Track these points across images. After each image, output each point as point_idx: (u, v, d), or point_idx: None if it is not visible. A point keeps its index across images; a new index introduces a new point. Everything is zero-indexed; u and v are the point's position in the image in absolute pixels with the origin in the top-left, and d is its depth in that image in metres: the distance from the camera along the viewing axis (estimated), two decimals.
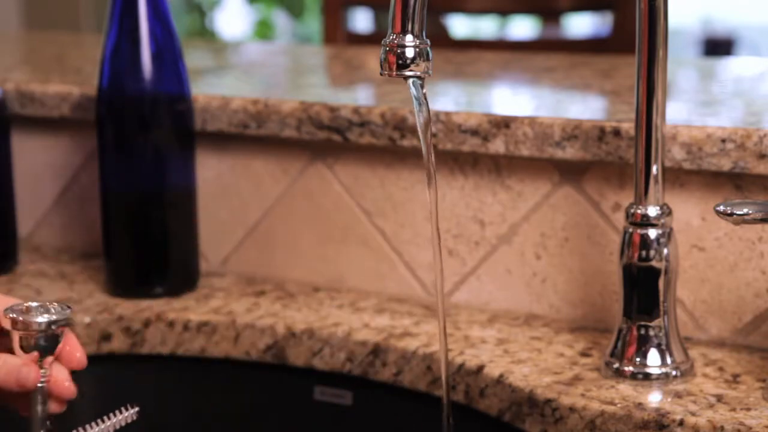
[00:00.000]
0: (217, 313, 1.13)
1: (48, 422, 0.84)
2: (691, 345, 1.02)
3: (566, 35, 3.95)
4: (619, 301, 0.97)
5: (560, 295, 1.10)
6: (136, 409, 0.86)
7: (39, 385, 0.82)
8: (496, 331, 1.08)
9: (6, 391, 0.81)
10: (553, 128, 1.05)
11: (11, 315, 0.81)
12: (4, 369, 0.80)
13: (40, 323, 0.81)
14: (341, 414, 1.10)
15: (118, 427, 0.85)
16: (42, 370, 0.82)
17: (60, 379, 0.83)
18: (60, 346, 0.83)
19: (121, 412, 0.86)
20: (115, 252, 1.18)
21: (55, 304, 0.83)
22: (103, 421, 0.85)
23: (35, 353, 0.82)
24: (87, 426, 0.84)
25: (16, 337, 0.81)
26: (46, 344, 0.82)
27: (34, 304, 0.83)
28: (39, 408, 0.83)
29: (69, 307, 0.83)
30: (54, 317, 0.81)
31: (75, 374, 1.14)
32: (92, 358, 1.13)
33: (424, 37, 0.80)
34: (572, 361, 1.00)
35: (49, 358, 0.82)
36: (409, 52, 0.80)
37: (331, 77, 1.53)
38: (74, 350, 0.83)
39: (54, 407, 0.84)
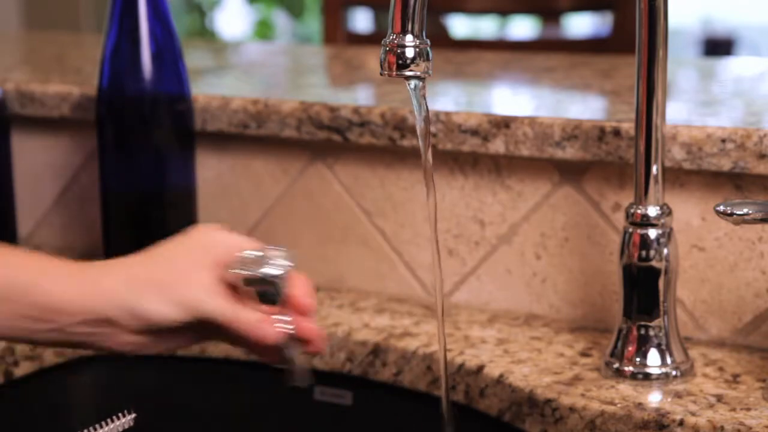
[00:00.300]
0: None
1: (305, 368, 0.82)
2: (691, 345, 1.02)
3: (566, 35, 3.94)
4: (619, 301, 0.97)
5: (560, 295, 1.10)
6: (133, 415, 0.84)
7: (285, 331, 0.80)
8: (496, 331, 1.08)
9: (253, 346, 0.80)
10: (553, 128, 1.05)
11: (239, 272, 0.78)
12: (242, 326, 0.79)
13: (268, 276, 0.78)
14: (341, 414, 1.10)
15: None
16: (281, 321, 0.79)
17: (302, 322, 0.81)
18: (288, 291, 0.80)
19: (118, 418, 0.85)
20: (115, 252, 1.17)
21: (273, 250, 0.80)
22: (101, 426, 0.84)
23: (271, 307, 0.79)
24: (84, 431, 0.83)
25: (249, 293, 0.79)
26: (280, 292, 0.79)
27: (253, 254, 0.79)
28: (290, 356, 0.81)
29: (287, 251, 0.80)
30: (279, 269, 0.78)
31: (75, 373, 1.14)
32: (92, 359, 1.14)
33: (424, 37, 0.80)
34: (572, 361, 1.00)
35: (285, 305, 0.80)
36: (409, 52, 0.80)
37: (331, 77, 1.53)
38: (304, 293, 0.81)
39: (310, 349, 0.82)
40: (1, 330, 0.80)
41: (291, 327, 0.80)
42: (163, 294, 0.78)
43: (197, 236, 0.82)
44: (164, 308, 0.78)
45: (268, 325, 0.79)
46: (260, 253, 0.80)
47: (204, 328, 0.80)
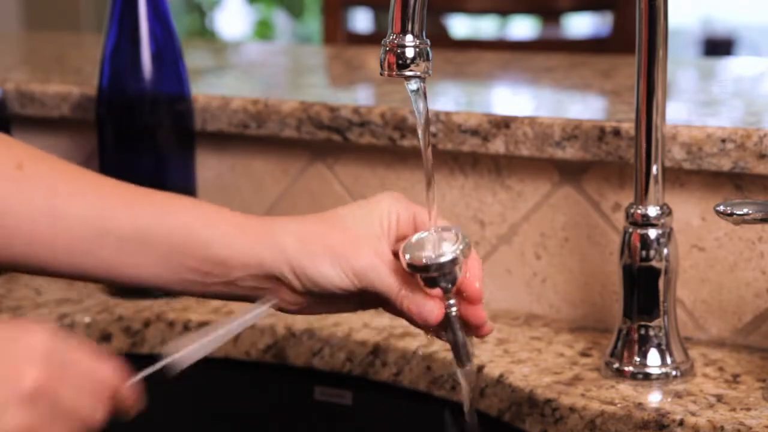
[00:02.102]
0: (217, 314, 1.13)
1: (468, 349, 0.81)
2: (691, 345, 1.02)
3: (566, 35, 3.94)
4: (619, 301, 0.97)
5: (560, 295, 1.10)
6: (274, 301, 0.81)
7: (451, 314, 0.79)
8: (496, 331, 1.08)
9: (417, 324, 0.80)
10: (553, 128, 1.05)
11: (407, 258, 0.77)
12: (406, 306, 0.79)
13: (433, 266, 0.77)
14: (341, 414, 1.10)
15: (256, 320, 0.80)
16: (448, 302, 0.79)
17: (468, 307, 0.80)
18: (461, 276, 0.78)
19: (258, 307, 0.82)
20: None
21: (447, 231, 0.79)
22: (241, 316, 0.81)
23: (438, 290, 0.78)
24: (225, 321, 0.80)
25: (417, 276, 0.78)
26: (448, 279, 0.78)
27: (424, 236, 0.78)
28: (455, 337, 0.80)
29: (461, 232, 0.78)
30: (451, 254, 0.77)
31: None
32: None
33: (424, 37, 0.80)
34: (572, 361, 1.00)
35: (453, 289, 0.79)
36: (409, 52, 0.80)
37: (331, 77, 1.53)
38: (473, 280, 0.79)
39: (476, 333, 0.81)
40: (172, 282, 0.81)
41: (455, 311, 0.79)
42: (335, 261, 0.78)
43: (377, 204, 0.82)
44: (334, 275, 0.78)
45: (434, 307, 0.79)
46: (433, 235, 0.79)
47: (369, 297, 0.80)
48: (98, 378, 0.68)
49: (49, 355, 0.64)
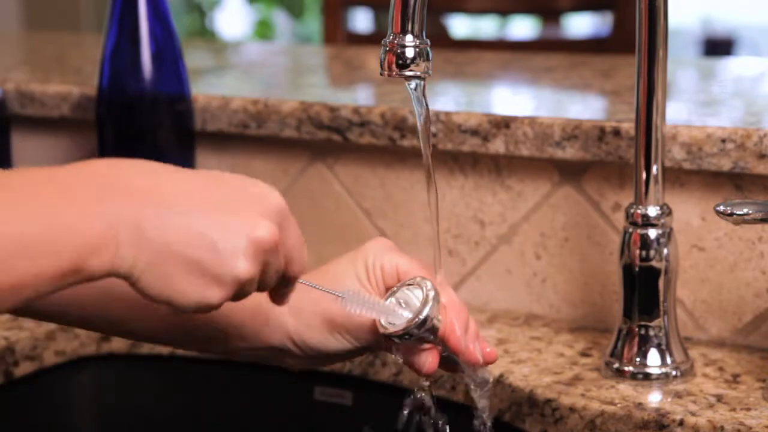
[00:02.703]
0: None
1: (481, 376, 0.82)
2: (691, 345, 1.02)
3: (566, 35, 3.94)
4: (619, 301, 0.97)
5: (560, 295, 1.10)
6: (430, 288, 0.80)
7: (449, 357, 0.80)
8: (496, 331, 1.08)
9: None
10: (553, 128, 1.05)
11: (381, 329, 0.78)
12: (407, 356, 0.79)
13: (410, 331, 0.77)
14: (341, 414, 1.10)
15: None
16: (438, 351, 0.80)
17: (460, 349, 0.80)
18: (441, 325, 0.78)
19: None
20: None
21: (418, 285, 0.78)
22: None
23: (429, 342, 0.79)
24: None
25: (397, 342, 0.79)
26: (427, 334, 0.78)
27: (397, 294, 0.78)
28: (464, 371, 0.81)
29: (430, 291, 0.78)
30: (418, 318, 0.77)
31: (75, 373, 1.14)
32: (92, 359, 1.14)
33: (424, 37, 0.80)
34: (572, 361, 1.00)
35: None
36: (409, 52, 0.80)
37: (331, 77, 1.53)
38: (451, 331, 0.79)
39: (480, 364, 0.82)
40: (178, 341, 0.83)
41: (445, 354, 0.80)
42: (333, 328, 0.80)
43: (364, 257, 0.81)
44: (333, 341, 0.80)
45: (428, 357, 0.79)
46: (403, 295, 0.79)
47: (371, 346, 0.81)
48: (303, 250, 0.71)
49: (281, 215, 0.67)
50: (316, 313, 0.80)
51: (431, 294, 0.78)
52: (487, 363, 0.82)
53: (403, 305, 0.78)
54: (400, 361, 0.80)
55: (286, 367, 0.84)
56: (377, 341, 0.80)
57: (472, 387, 0.83)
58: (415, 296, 0.78)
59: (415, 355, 0.79)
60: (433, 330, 0.78)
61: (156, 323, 0.81)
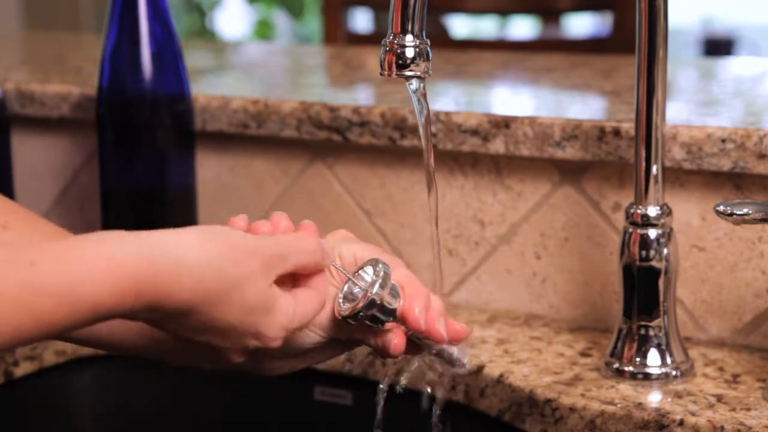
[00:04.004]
0: None
1: (454, 355, 0.81)
2: (691, 345, 1.02)
3: (566, 35, 3.95)
4: (619, 301, 0.97)
5: (560, 295, 1.10)
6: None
7: (413, 337, 0.79)
8: (496, 331, 1.08)
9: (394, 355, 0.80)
10: (553, 128, 1.05)
11: (338, 313, 0.77)
12: (376, 340, 0.79)
13: (356, 313, 0.76)
14: (341, 414, 1.10)
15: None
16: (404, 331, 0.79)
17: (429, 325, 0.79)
18: (399, 304, 0.78)
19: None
20: None
21: (369, 266, 0.78)
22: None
23: (389, 322, 0.78)
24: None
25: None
26: (383, 314, 0.77)
27: (356, 290, 0.77)
28: (433, 352, 0.81)
29: (380, 269, 0.77)
30: (367, 298, 0.76)
31: (75, 373, 1.14)
32: (92, 359, 1.14)
33: (424, 37, 0.80)
34: (572, 361, 1.00)
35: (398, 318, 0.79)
36: (409, 52, 0.80)
37: (331, 77, 1.53)
38: (410, 308, 0.78)
39: (451, 341, 0.80)
40: (153, 353, 0.82)
41: (411, 332, 0.79)
42: None
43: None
44: (302, 336, 0.79)
45: (393, 337, 0.79)
46: (357, 278, 0.78)
47: (344, 341, 0.81)
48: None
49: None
50: None
51: (381, 272, 0.77)
52: (454, 341, 0.80)
53: (356, 288, 0.78)
54: (374, 346, 0.79)
55: (265, 375, 0.83)
56: (345, 330, 0.79)
57: (438, 367, 0.82)
58: (368, 277, 0.78)
59: (379, 336, 0.79)
60: (386, 309, 0.77)
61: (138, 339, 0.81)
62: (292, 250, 0.73)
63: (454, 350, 0.81)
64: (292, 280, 0.75)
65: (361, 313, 0.76)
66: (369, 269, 0.78)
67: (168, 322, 0.70)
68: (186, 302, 0.68)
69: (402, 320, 0.78)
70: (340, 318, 0.78)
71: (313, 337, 0.79)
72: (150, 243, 0.67)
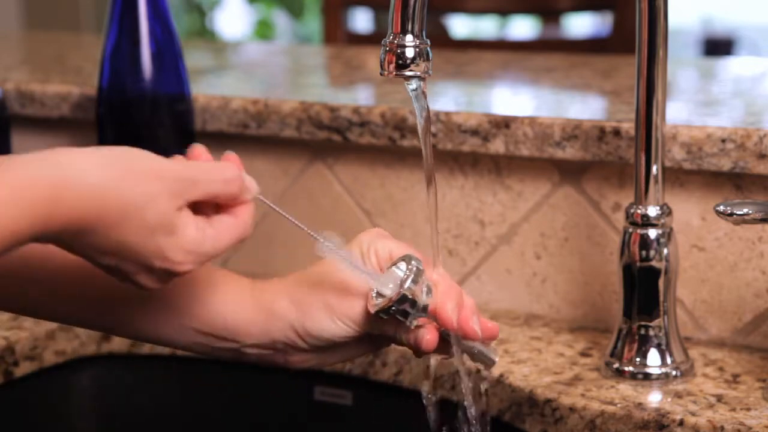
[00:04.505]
0: None
1: (485, 354, 0.82)
2: (691, 345, 1.02)
3: (566, 35, 3.95)
4: (619, 301, 0.97)
5: (560, 295, 1.10)
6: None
7: (445, 334, 0.79)
8: None
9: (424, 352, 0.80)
10: (553, 128, 1.05)
11: (370, 306, 0.77)
12: (407, 335, 0.79)
13: (393, 308, 0.76)
14: (341, 414, 1.10)
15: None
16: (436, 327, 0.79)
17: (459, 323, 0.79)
18: (431, 300, 0.78)
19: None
20: None
21: (404, 262, 0.78)
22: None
23: (421, 319, 0.78)
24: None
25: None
26: (415, 310, 0.77)
27: (386, 273, 0.78)
28: (464, 349, 0.81)
29: (414, 265, 0.77)
30: (400, 292, 0.76)
31: (75, 373, 1.14)
32: (92, 359, 1.14)
33: (424, 37, 0.80)
34: (572, 361, 1.00)
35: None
36: (409, 52, 0.80)
37: (331, 77, 1.53)
38: (443, 305, 0.78)
39: (481, 339, 0.81)
40: (182, 343, 0.82)
41: (442, 329, 0.79)
42: (332, 314, 0.79)
43: (357, 247, 0.81)
44: (335, 327, 0.79)
45: (425, 333, 0.79)
46: (390, 273, 0.78)
47: (375, 338, 0.81)
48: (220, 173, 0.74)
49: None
50: (315, 301, 0.79)
51: (414, 268, 0.77)
52: (487, 338, 0.81)
53: (391, 283, 0.78)
54: (406, 342, 0.79)
55: (292, 368, 0.83)
56: (377, 325, 0.79)
57: (470, 371, 0.83)
58: (401, 273, 0.78)
59: (412, 332, 0.79)
60: (418, 305, 0.77)
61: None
62: (203, 176, 0.72)
63: (483, 348, 0.81)
64: (215, 209, 0.74)
65: (393, 307, 0.76)
66: (402, 265, 0.78)
67: (74, 244, 0.70)
68: (87, 221, 0.68)
69: (434, 317, 0.78)
70: (372, 312, 0.78)
71: (345, 329, 0.79)
72: (52, 166, 0.67)
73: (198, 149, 0.75)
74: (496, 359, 0.82)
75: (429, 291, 0.78)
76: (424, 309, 0.78)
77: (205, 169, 0.73)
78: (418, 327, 0.79)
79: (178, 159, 0.73)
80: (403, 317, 0.77)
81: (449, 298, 0.78)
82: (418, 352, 0.80)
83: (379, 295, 0.78)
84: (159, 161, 0.71)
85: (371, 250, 0.80)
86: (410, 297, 0.77)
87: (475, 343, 0.81)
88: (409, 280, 0.77)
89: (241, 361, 0.82)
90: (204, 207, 0.73)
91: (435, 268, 0.80)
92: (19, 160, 0.67)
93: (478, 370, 0.84)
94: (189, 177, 0.71)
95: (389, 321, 0.78)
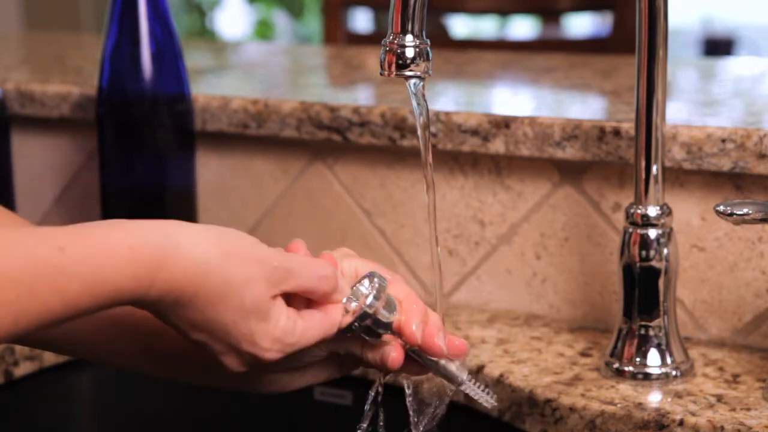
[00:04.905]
0: None
1: (451, 371, 0.80)
2: (691, 345, 1.02)
3: (566, 35, 3.95)
4: (619, 301, 0.97)
5: (560, 295, 1.10)
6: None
7: (410, 351, 0.79)
8: (496, 331, 1.08)
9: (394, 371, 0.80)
10: (553, 128, 1.05)
11: (341, 329, 0.77)
12: (373, 355, 0.79)
13: (355, 322, 0.76)
14: (341, 414, 1.10)
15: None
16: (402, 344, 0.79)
17: (426, 339, 0.79)
18: (395, 317, 0.78)
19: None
20: None
21: (367, 279, 0.78)
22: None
23: (386, 336, 0.78)
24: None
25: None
26: (379, 327, 0.77)
27: (353, 303, 0.77)
28: (431, 367, 0.80)
29: (377, 282, 0.77)
30: (366, 304, 0.76)
31: (75, 373, 1.14)
32: None
33: (424, 37, 0.80)
34: (572, 361, 1.00)
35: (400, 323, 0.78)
36: (409, 52, 0.80)
37: (331, 77, 1.53)
38: (408, 323, 0.78)
39: (450, 356, 0.80)
40: (148, 367, 0.83)
41: (408, 347, 0.79)
42: None
43: None
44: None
45: (390, 350, 0.78)
46: (354, 290, 0.78)
47: (342, 359, 0.81)
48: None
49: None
50: None
51: (376, 285, 0.77)
52: (454, 355, 0.80)
53: (354, 301, 0.78)
54: (371, 360, 0.79)
55: (256, 392, 0.83)
56: (342, 344, 0.79)
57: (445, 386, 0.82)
58: (365, 290, 0.78)
59: (377, 350, 0.79)
60: (380, 321, 0.77)
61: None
62: (302, 269, 0.73)
63: (452, 366, 0.81)
64: (305, 305, 0.75)
65: (355, 324, 0.76)
66: (366, 282, 0.78)
67: (170, 314, 0.71)
68: (186, 294, 0.69)
69: (399, 334, 0.78)
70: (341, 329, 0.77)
71: (310, 348, 0.78)
72: (166, 234, 0.69)
73: (297, 244, 0.77)
74: (464, 377, 0.81)
75: (393, 308, 0.78)
76: (388, 325, 0.77)
77: (304, 263, 0.74)
78: (383, 344, 0.78)
79: (279, 250, 0.74)
80: (367, 334, 0.77)
81: (413, 315, 0.78)
82: (385, 370, 0.80)
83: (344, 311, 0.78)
84: (262, 248, 0.72)
85: (337, 270, 0.80)
86: (371, 313, 0.76)
87: (442, 360, 0.80)
88: (371, 297, 0.76)
89: (209, 385, 0.82)
90: (295, 300, 0.74)
91: (396, 285, 0.79)
92: (132, 223, 0.69)
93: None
94: (288, 268, 0.73)
95: (354, 339, 0.78)
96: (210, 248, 0.70)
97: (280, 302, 0.73)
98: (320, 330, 0.75)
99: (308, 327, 0.74)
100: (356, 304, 0.77)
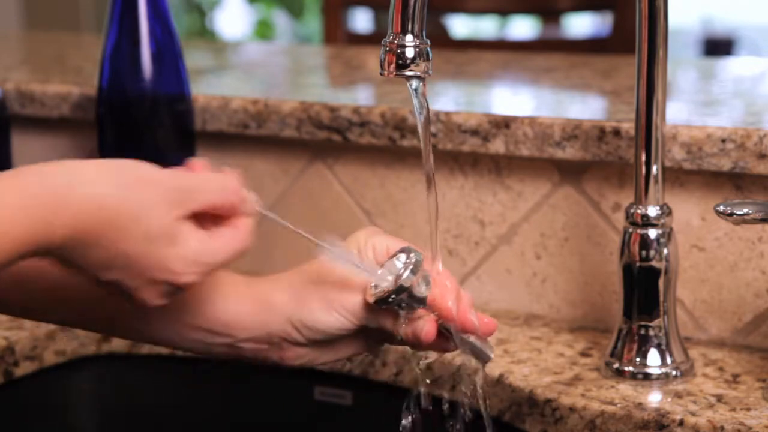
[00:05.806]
0: None
1: (480, 349, 0.81)
2: (691, 345, 1.02)
3: (566, 35, 3.95)
4: (619, 301, 0.97)
5: (560, 295, 1.10)
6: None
7: (443, 327, 0.79)
8: (497, 331, 1.07)
9: (420, 347, 0.80)
10: (553, 128, 1.05)
11: (370, 298, 0.77)
12: (405, 329, 0.78)
13: (386, 297, 0.77)
14: (341, 414, 1.10)
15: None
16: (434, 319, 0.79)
17: (460, 314, 0.79)
18: (429, 292, 0.78)
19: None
20: None
21: (403, 254, 0.78)
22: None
23: (419, 311, 0.78)
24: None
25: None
26: (413, 301, 0.77)
27: (386, 265, 0.78)
28: (461, 343, 0.80)
29: (413, 256, 0.77)
30: (398, 282, 0.76)
31: (75, 373, 1.14)
32: (92, 358, 1.14)
33: (424, 37, 0.80)
34: (572, 361, 1.00)
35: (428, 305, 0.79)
36: (409, 52, 0.80)
37: (331, 77, 1.53)
38: (443, 297, 0.78)
39: (479, 333, 0.80)
40: (177, 341, 0.82)
41: (440, 322, 0.79)
42: (329, 305, 0.79)
43: (354, 242, 0.81)
44: (331, 319, 0.79)
45: (424, 324, 0.78)
46: (389, 265, 0.78)
47: (371, 334, 0.81)
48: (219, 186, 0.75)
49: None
50: (313, 293, 0.80)
51: (413, 259, 0.78)
52: (485, 333, 0.81)
53: (390, 275, 0.78)
54: (403, 335, 0.79)
55: (287, 364, 0.83)
56: (375, 318, 0.79)
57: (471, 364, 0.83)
58: (400, 264, 0.78)
59: (410, 324, 0.79)
60: (416, 296, 0.77)
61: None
62: (201, 186, 0.72)
63: (480, 343, 0.81)
64: (214, 221, 0.74)
65: (391, 297, 0.77)
66: (402, 256, 0.78)
67: (77, 258, 0.70)
68: (88, 233, 0.68)
69: (433, 308, 0.78)
70: (371, 302, 0.78)
71: (342, 321, 0.79)
72: (62, 176, 0.68)
73: (197, 162, 0.75)
74: (492, 355, 0.82)
75: (428, 283, 0.78)
76: (423, 300, 0.78)
77: (203, 179, 0.73)
78: (416, 318, 0.79)
79: (178, 171, 0.73)
80: (402, 308, 0.77)
81: (448, 290, 0.79)
82: (417, 344, 0.80)
83: (378, 286, 0.78)
84: (157, 171, 0.71)
85: (368, 246, 0.80)
86: (407, 287, 0.77)
87: (472, 337, 0.81)
88: (408, 271, 0.77)
89: (236, 357, 0.82)
90: (205, 221, 0.73)
91: (434, 264, 0.80)
92: (30, 171, 0.68)
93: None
94: (187, 186, 0.72)
95: (387, 313, 0.78)
96: (107, 182, 0.69)
97: (189, 224, 0.71)
98: (234, 246, 0.74)
99: (220, 245, 0.73)
100: (392, 277, 0.77)
